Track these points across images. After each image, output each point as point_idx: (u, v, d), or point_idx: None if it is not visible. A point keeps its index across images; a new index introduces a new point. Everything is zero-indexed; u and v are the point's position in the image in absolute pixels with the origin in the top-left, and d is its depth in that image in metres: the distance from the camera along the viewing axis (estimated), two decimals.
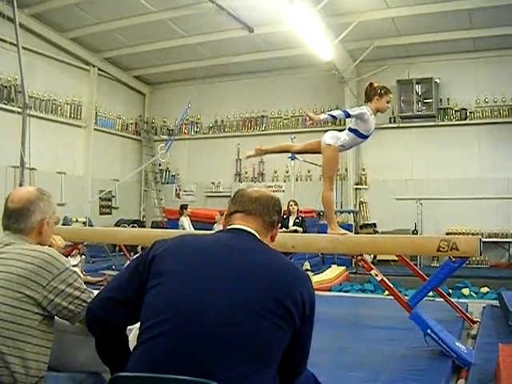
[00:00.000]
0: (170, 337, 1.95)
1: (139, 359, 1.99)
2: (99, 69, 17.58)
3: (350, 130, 6.02)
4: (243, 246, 2.21)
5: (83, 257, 10.92)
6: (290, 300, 2.04)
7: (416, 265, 12.71)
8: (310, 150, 6.51)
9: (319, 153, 6.22)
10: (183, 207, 13.99)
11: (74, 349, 2.72)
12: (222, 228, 2.51)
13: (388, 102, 6.02)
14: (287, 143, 7.60)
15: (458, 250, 4.92)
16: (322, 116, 5.99)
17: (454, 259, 5.03)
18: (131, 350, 2.13)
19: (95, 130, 17.55)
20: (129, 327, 2.31)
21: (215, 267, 2.09)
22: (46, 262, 2.43)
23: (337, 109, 17.07)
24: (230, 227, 2.36)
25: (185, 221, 13.56)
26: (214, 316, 1.95)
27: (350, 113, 5.90)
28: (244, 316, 1.97)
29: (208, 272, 2.07)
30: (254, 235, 2.30)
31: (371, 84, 6.10)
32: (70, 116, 16.83)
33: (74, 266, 7.78)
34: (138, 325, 2.13)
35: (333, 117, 6.01)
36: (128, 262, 8.33)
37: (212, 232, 2.56)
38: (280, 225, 2.50)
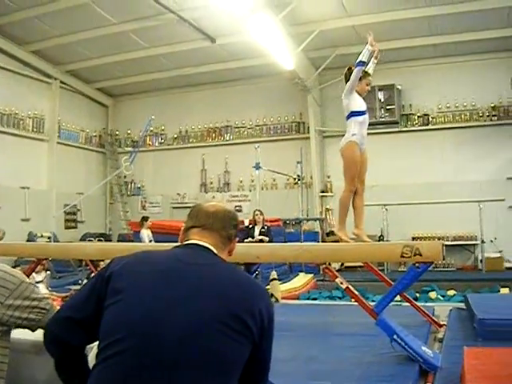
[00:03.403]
0: (128, 354, 1.92)
1: (98, 378, 1.96)
2: (61, 81, 17.40)
3: (348, 117, 6.22)
4: (200, 261, 2.19)
5: (48, 272, 10.76)
6: (248, 315, 2.03)
7: (383, 270, 12.85)
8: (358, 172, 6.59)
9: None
10: (143, 219, 13.87)
11: (33, 369, 2.69)
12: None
13: (367, 85, 6.27)
14: (345, 204, 6.53)
15: (421, 255, 4.95)
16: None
17: (417, 265, 5.06)
18: (91, 368, 2.11)
19: (58, 143, 17.34)
20: (89, 346, 2.28)
21: (172, 284, 2.07)
22: (1, 279, 2.41)
23: (300, 117, 17.26)
24: (186, 242, 2.33)
25: (145, 233, 13.43)
26: (173, 333, 1.94)
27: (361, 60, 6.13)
28: (203, 332, 1.96)
29: (165, 289, 2.05)
30: (211, 250, 2.28)
31: (350, 68, 6.31)
32: (33, 130, 16.62)
33: (38, 282, 7.62)
34: (97, 343, 2.11)
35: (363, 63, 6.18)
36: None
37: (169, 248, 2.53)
38: (238, 238, 2.49)
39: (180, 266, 2.15)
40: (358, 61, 6.16)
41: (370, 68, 6.59)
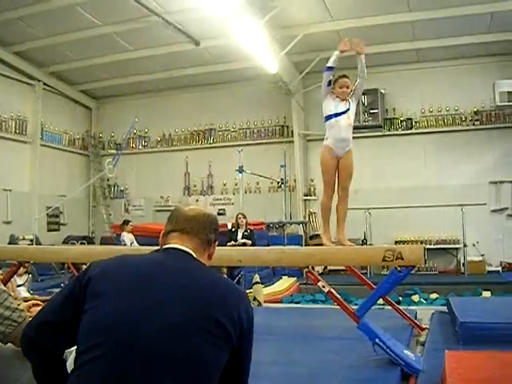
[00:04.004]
0: (106, 359, 1.91)
1: (76, 383, 1.94)
2: (44, 83, 17.24)
3: (324, 121, 6.42)
4: (179, 265, 2.19)
5: (30, 276, 10.68)
6: (226, 319, 2.03)
7: (366, 273, 12.88)
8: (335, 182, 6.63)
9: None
10: (124, 223, 13.84)
11: (16, 373, 2.66)
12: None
13: (341, 88, 6.34)
14: (324, 209, 6.66)
15: (403, 259, 4.96)
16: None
17: (399, 268, 5.08)
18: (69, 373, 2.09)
19: (41, 145, 17.18)
20: (68, 350, 2.26)
21: (151, 288, 2.06)
22: None
23: (284, 120, 17.27)
24: (166, 247, 2.33)
25: (126, 236, 13.39)
26: (151, 337, 1.93)
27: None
28: (181, 336, 1.95)
29: (144, 293, 2.04)
30: (191, 254, 2.28)
31: None
32: (15, 132, 16.45)
33: (20, 285, 7.55)
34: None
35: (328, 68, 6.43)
36: None
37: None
38: (219, 242, 2.48)
39: (158, 271, 2.14)
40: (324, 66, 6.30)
41: (359, 68, 6.66)
